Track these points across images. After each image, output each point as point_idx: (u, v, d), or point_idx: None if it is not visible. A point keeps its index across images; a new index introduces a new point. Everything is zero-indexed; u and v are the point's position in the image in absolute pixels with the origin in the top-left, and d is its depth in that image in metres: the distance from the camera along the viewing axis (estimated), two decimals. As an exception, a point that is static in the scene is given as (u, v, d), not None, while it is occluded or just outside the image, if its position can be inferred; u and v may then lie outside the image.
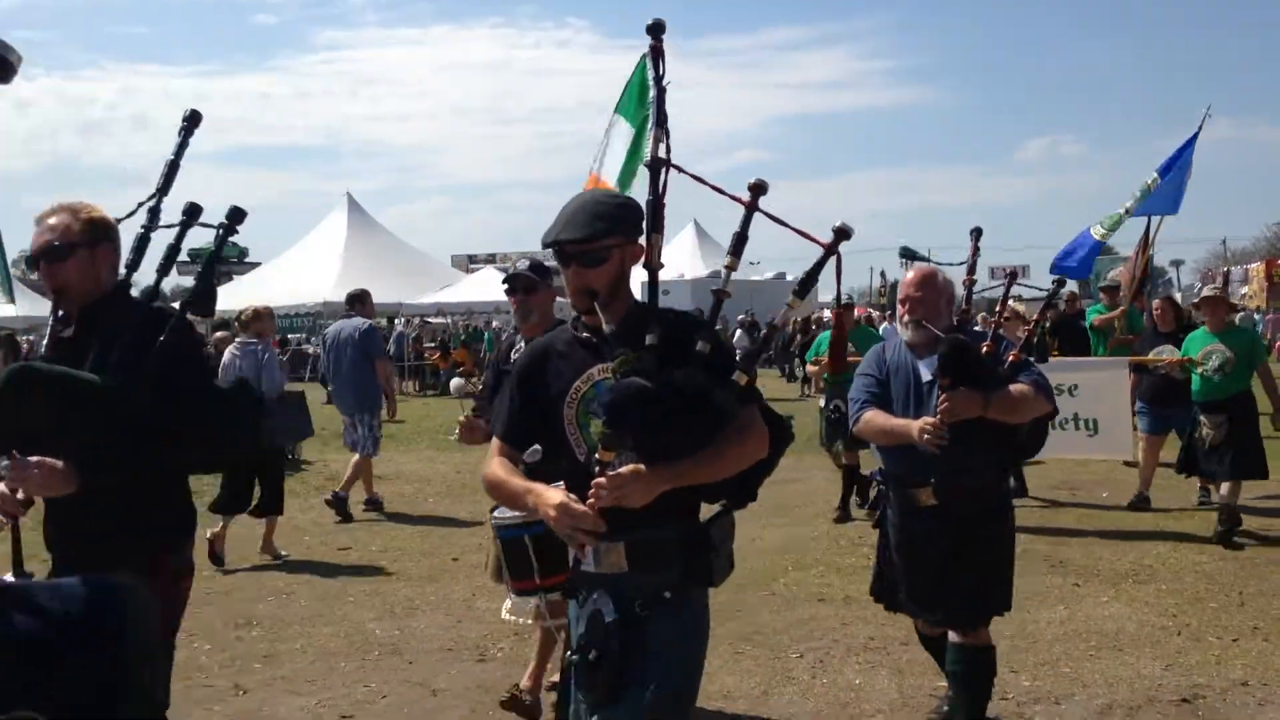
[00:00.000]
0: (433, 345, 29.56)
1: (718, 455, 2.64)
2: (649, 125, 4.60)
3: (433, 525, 9.33)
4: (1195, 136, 11.06)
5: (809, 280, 2.92)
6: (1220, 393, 8.03)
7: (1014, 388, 3.94)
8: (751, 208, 2.82)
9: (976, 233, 4.48)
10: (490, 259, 63.93)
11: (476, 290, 33.28)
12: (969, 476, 4.08)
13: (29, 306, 31.97)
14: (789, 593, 6.79)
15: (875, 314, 31.32)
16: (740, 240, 2.83)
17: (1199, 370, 8.10)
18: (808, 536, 8.35)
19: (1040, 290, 5.26)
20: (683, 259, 43.57)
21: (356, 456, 9.94)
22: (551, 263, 3.32)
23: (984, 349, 4.08)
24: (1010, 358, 4.07)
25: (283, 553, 8.14)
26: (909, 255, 14.83)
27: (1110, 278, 13.29)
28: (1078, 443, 9.01)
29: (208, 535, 7.71)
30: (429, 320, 32.26)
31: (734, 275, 2.89)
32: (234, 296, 38.64)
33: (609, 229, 2.73)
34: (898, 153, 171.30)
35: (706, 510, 2.85)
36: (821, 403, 9.33)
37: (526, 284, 4.67)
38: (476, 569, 7.47)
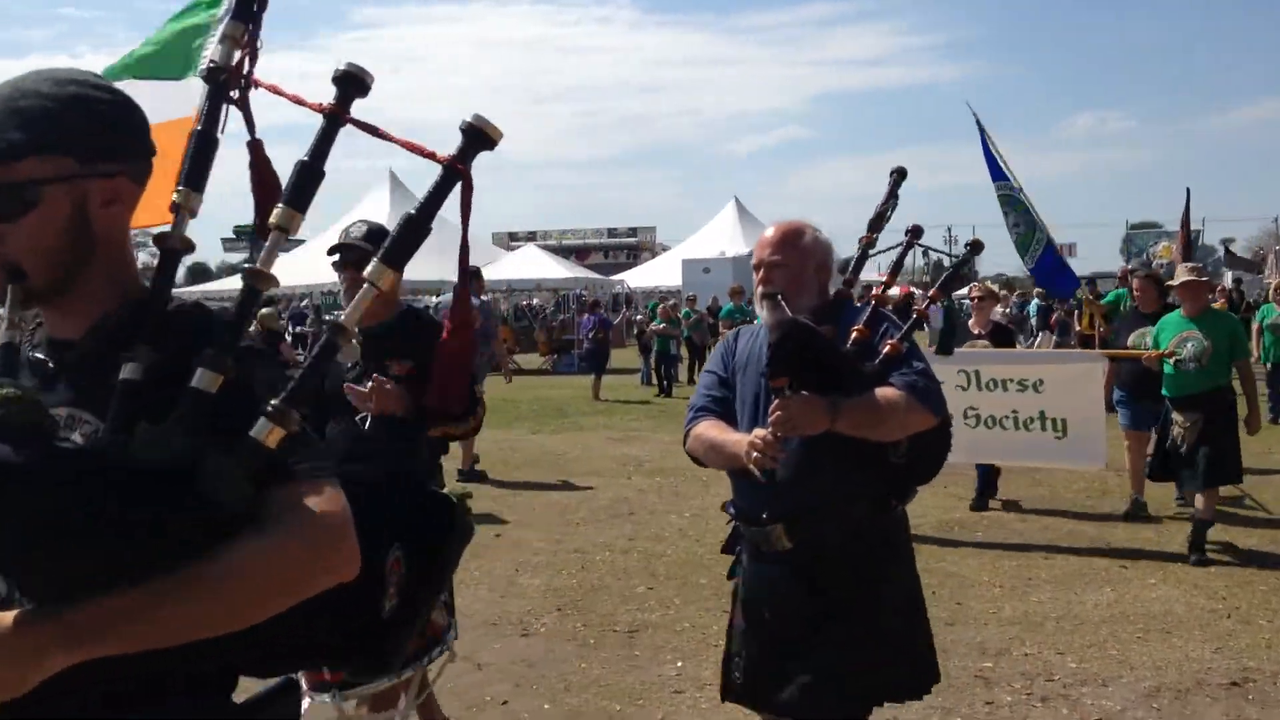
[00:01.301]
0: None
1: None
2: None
3: (474, 501, 9.35)
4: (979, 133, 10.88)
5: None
6: (1194, 386, 6.97)
7: (879, 392, 2.84)
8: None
9: (897, 173, 3.28)
10: (531, 236, 64.15)
11: (518, 268, 33.38)
12: (834, 511, 2.96)
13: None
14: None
15: (919, 293, 31.10)
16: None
17: (1171, 360, 7.07)
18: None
19: (948, 255, 3.79)
20: (724, 237, 43.44)
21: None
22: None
23: (853, 335, 2.97)
24: (886, 348, 2.93)
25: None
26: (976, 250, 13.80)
27: (1153, 253, 12.85)
28: (1044, 447, 7.83)
29: None
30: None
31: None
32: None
33: (33, 141, 1.44)
34: (940, 129, 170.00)
35: None
36: None
37: (361, 257, 3.62)
38: (519, 545, 7.53)
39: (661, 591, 6.42)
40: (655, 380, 19.87)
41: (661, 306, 21.91)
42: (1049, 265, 11.09)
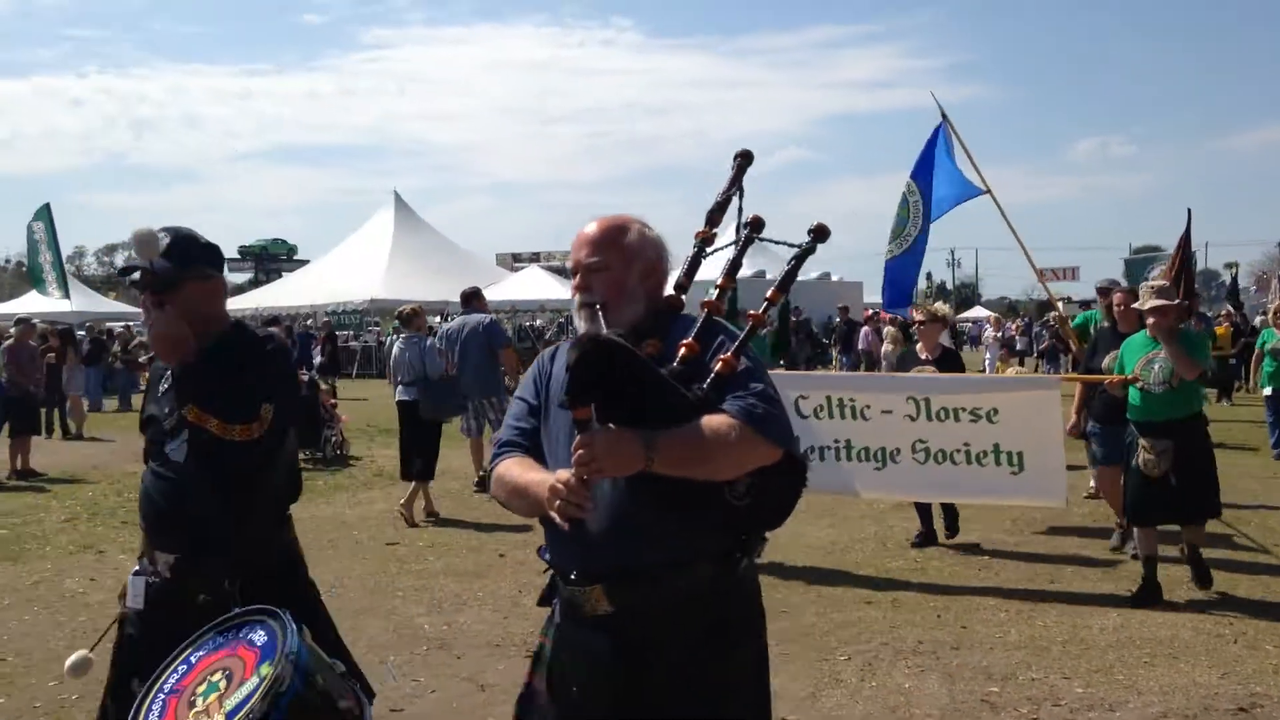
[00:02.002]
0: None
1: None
2: None
3: (479, 521, 9.37)
4: (940, 127, 11.02)
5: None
6: (1163, 412, 6.40)
7: (706, 421, 2.30)
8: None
9: (741, 156, 2.73)
10: (534, 257, 64.26)
11: (521, 288, 33.46)
12: (664, 570, 2.40)
13: (83, 302, 32.50)
14: (835, 594, 6.75)
15: (918, 317, 31.13)
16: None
17: (1139, 384, 6.49)
18: (853, 538, 8.30)
19: (790, 244, 2.66)
20: (726, 258, 43.41)
21: (469, 440, 10.94)
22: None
23: (680, 352, 2.42)
24: (718, 366, 2.38)
25: (436, 510, 9.66)
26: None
27: (1151, 276, 12.82)
28: (999, 483, 7.06)
29: (398, 505, 9.42)
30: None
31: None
32: (282, 293, 39.21)
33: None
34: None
35: None
36: None
37: (152, 280, 3.06)
38: (523, 565, 7.51)
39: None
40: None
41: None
42: (892, 270, 11.34)
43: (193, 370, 3.05)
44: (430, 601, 6.74)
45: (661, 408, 2.31)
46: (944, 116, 11.02)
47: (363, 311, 34.16)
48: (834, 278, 41.67)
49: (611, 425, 2.28)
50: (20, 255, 44.99)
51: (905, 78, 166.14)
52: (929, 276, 69.88)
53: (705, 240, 2.67)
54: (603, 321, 2.43)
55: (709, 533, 2.44)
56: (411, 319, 10.49)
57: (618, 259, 2.54)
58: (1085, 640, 5.76)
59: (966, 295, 77.23)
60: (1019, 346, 33.21)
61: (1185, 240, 11.53)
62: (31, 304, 28.71)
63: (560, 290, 33.96)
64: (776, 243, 2.73)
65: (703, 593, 2.44)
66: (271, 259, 79.87)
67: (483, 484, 10.40)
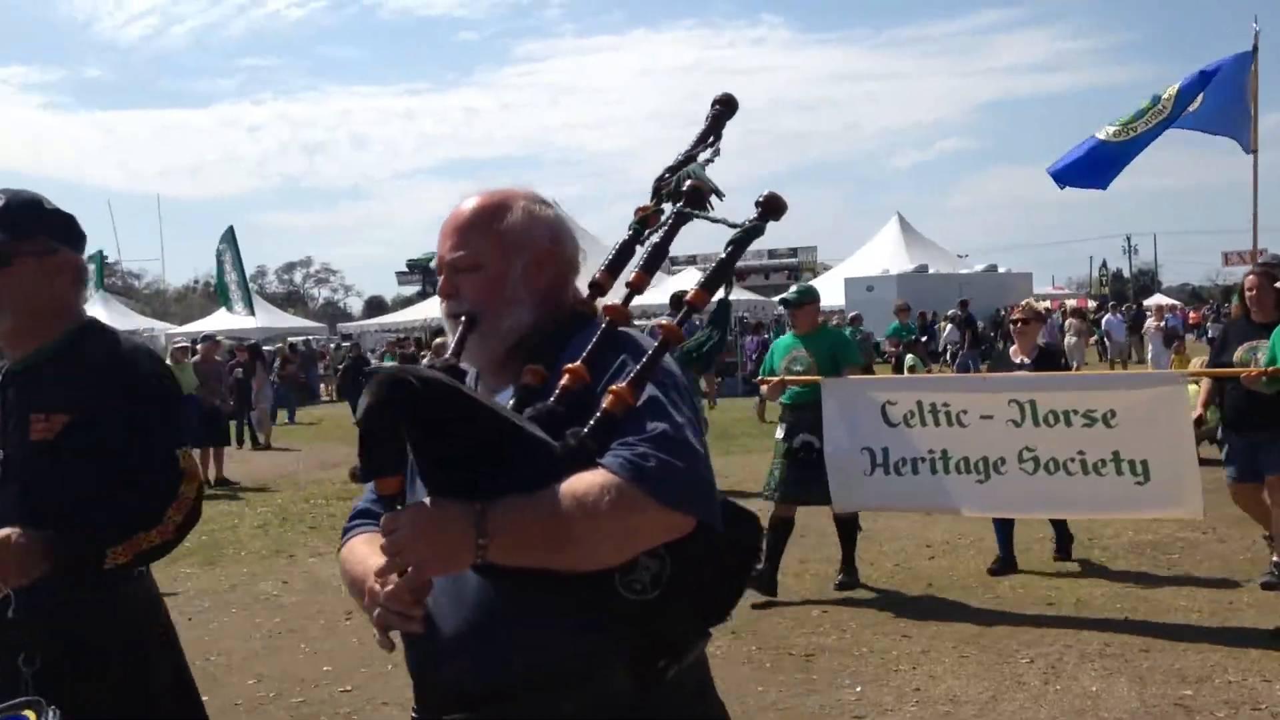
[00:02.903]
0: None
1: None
2: None
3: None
4: (1247, 56, 9.60)
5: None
6: None
7: (568, 486, 1.60)
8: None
9: (721, 103, 2.07)
10: (691, 260, 64.44)
11: (678, 290, 33.54)
12: (546, 692, 1.72)
13: (267, 318, 34.23)
14: (1014, 596, 6.56)
15: (1093, 304, 29.95)
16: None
17: None
18: (1031, 536, 8.04)
19: (729, 224, 1.90)
20: (886, 253, 42.73)
21: None
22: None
23: (562, 381, 1.73)
24: (606, 400, 1.67)
25: None
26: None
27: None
28: (1123, 494, 6.05)
29: None
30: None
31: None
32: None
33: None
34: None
35: None
36: (779, 434, 7.02)
37: None
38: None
39: (836, 615, 6.33)
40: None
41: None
42: (1094, 149, 9.62)
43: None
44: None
45: (514, 468, 1.61)
46: (1255, 50, 9.71)
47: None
48: (1001, 269, 40.53)
49: (425, 501, 1.62)
50: (209, 276, 47.65)
51: (1066, 60, 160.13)
52: (1104, 264, 67.07)
53: (644, 220, 1.97)
54: (481, 336, 1.85)
55: (610, 632, 1.70)
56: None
57: (492, 251, 1.87)
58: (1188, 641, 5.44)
59: (1145, 283, 73.80)
60: (1190, 336, 30.61)
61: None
62: (220, 321, 30.42)
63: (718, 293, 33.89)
64: (714, 220, 1.92)
65: (616, 716, 1.73)
66: (435, 273, 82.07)
67: None
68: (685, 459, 1.64)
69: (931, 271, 36.66)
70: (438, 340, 15.66)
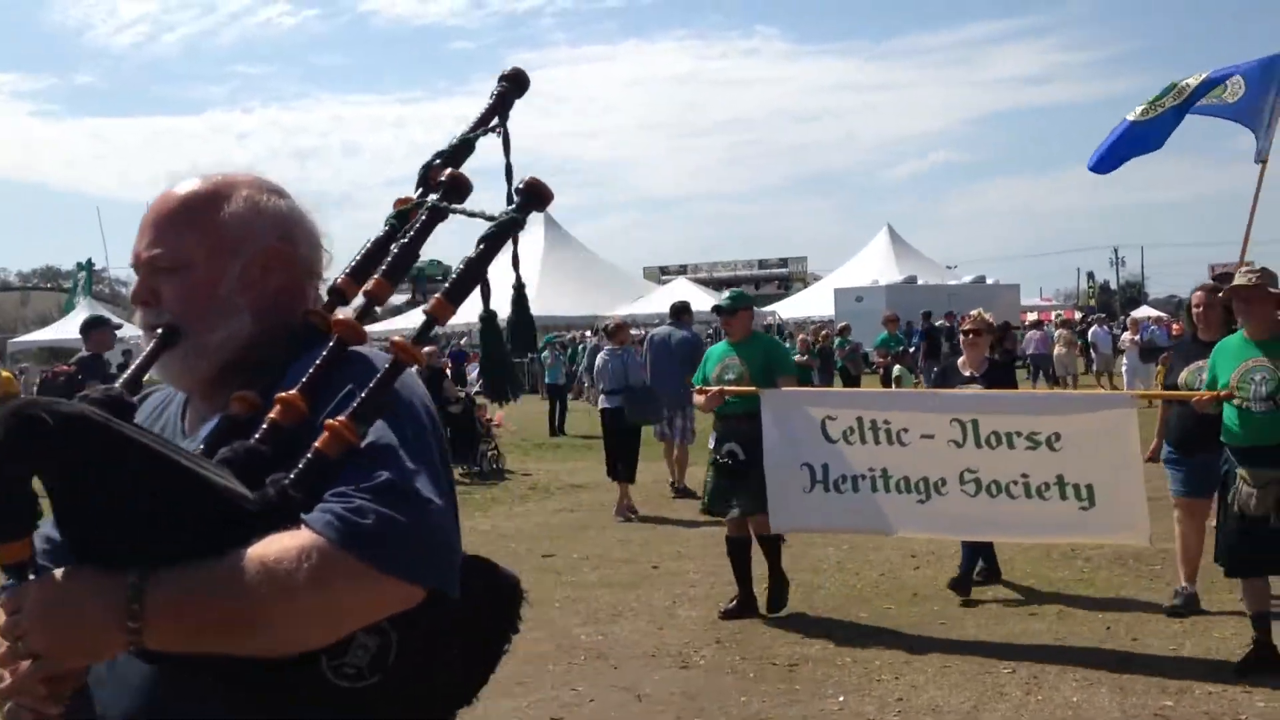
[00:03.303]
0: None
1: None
2: None
3: (631, 533, 9.46)
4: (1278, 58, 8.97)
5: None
6: (1268, 435, 5.04)
7: (255, 551, 1.24)
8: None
9: (509, 79, 1.75)
10: (682, 270, 64.65)
11: (670, 301, 33.61)
12: None
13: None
14: (997, 606, 6.58)
15: (1078, 316, 30.09)
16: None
17: (1236, 401, 5.16)
18: (1016, 547, 8.06)
19: (487, 217, 1.58)
20: (876, 264, 42.85)
21: (676, 450, 11.53)
22: None
23: (272, 413, 1.37)
24: (321, 441, 1.32)
25: (636, 509, 10.27)
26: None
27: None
28: (1067, 519, 5.78)
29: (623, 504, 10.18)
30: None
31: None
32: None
33: None
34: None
35: None
36: (710, 444, 6.97)
37: None
38: (677, 577, 7.55)
39: (819, 624, 6.34)
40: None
41: (800, 338, 21.85)
42: (1124, 131, 9.27)
43: None
44: (586, 612, 6.84)
45: (191, 528, 1.26)
46: None
47: (515, 328, 34.85)
48: (989, 280, 40.66)
49: (57, 572, 1.28)
50: (196, 284, 47.44)
51: (1060, 72, 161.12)
52: (1090, 275, 67.36)
53: (403, 214, 1.62)
54: (169, 359, 1.52)
55: None
56: (616, 332, 11.58)
57: (201, 249, 1.52)
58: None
59: (1132, 295, 74.11)
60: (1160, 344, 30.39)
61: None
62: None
63: (709, 301, 33.95)
64: (472, 215, 1.61)
65: None
66: (429, 280, 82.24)
67: (679, 490, 11.30)
68: (412, 514, 1.30)
69: (920, 283, 36.80)
70: (427, 349, 15.61)
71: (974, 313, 7.30)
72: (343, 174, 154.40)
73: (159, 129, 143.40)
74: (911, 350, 22.01)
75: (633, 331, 36.10)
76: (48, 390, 8.85)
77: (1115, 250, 75.38)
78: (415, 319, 41.52)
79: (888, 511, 6.17)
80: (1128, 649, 5.62)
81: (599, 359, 11.43)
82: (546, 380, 21.35)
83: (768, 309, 41.82)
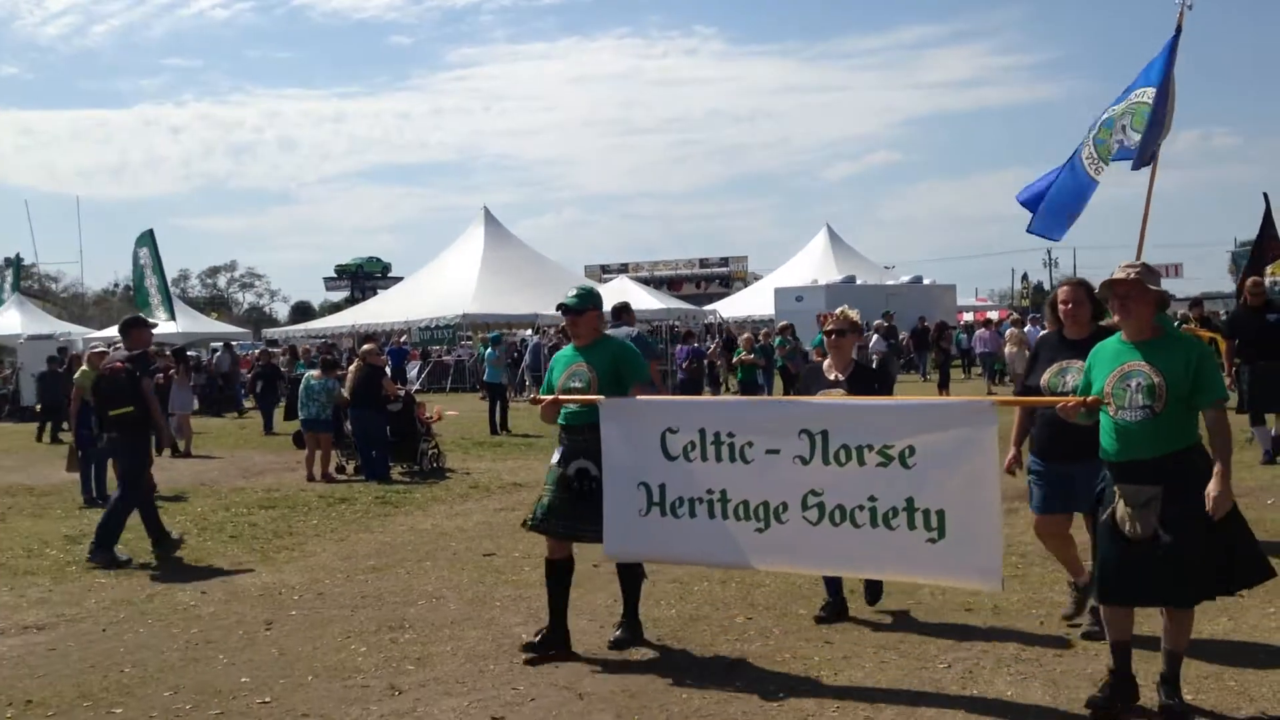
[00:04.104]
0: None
1: None
2: None
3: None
4: (1174, 41, 8.74)
5: None
6: (1145, 448, 4.53)
7: None
8: None
9: None
10: (623, 268, 64.81)
11: (610, 299, 33.60)
12: None
13: (189, 324, 33.56)
14: (934, 602, 6.67)
15: (1015, 317, 30.61)
16: None
17: (1110, 410, 4.66)
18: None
19: None
20: (816, 264, 43.27)
21: None
22: None
23: None
24: None
25: None
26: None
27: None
28: (912, 553, 5.11)
29: None
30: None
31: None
32: (377, 310, 40.06)
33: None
34: (1038, 150, 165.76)
35: None
36: (554, 458, 6.19)
37: None
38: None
39: (760, 622, 6.39)
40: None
41: (745, 337, 22.04)
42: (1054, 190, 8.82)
43: None
44: (527, 611, 6.82)
45: None
46: (1178, 31, 8.92)
47: (455, 326, 34.72)
48: (926, 280, 41.23)
49: None
50: (129, 279, 46.71)
51: (994, 76, 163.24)
52: (1025, 276, 68.54)
53: None
54: None
55: None
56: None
57: None
58: (1195, 646, 5.58)
59: (1064, 295, 75.38)
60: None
61: (1265, 227, 10.92)
62: (140, 327, 29.78)
63: (651, 300, 34.09)
64: None
65: None
66: (367, 277, 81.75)
67: None
68: None
69: (859, 282, 37.24)
70: (365, 346, 15.48)
71: (838, 311, 6.62)
72: (280, 169, 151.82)
73: (88, 122, 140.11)
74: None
75: (628, 330, 36.13)
76: (110, 384, 9.39)
77: (1049, 251, 76.71)
78: (354, 316, 41.11)
79: (726, 541, 5.51)
80: (1061, 644, 5.72)
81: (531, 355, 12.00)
82: (486, 379, 21.20)
83: (709, 307, 42.04)
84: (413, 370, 32.55)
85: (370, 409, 13.75)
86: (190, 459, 17.30)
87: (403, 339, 34.31)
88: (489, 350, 21.90)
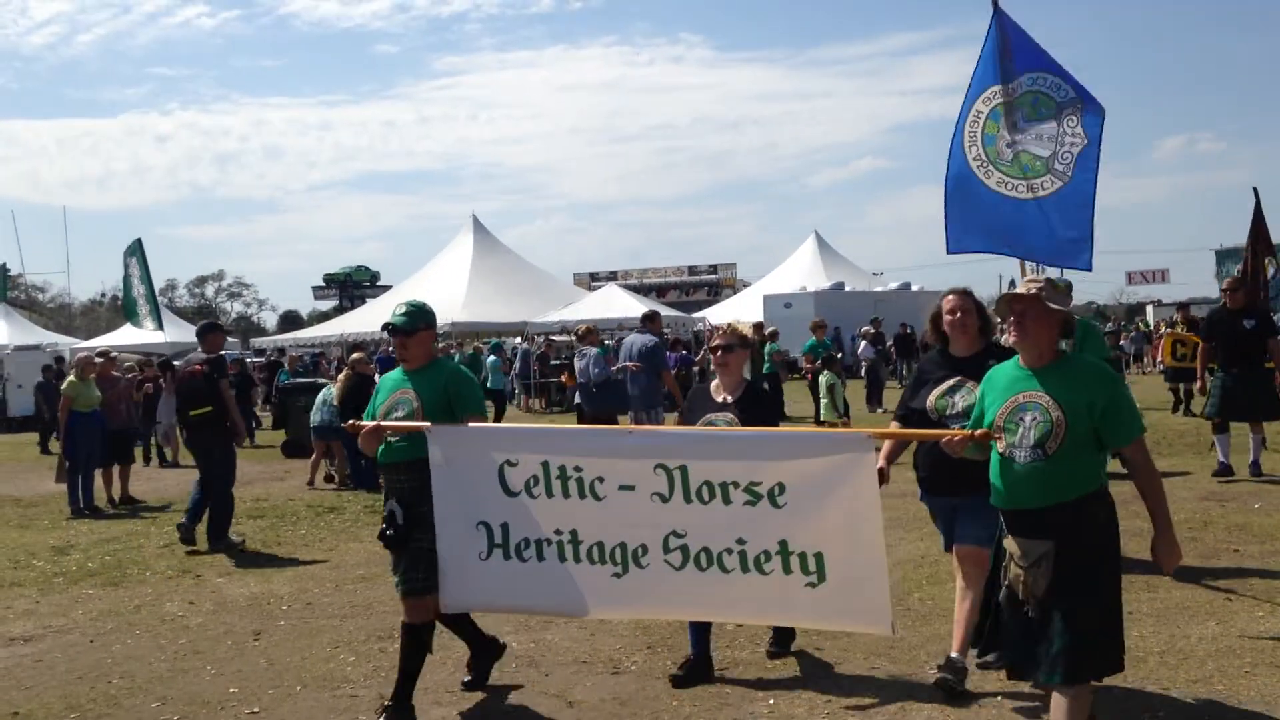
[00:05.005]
0: (558, 363, 29.85)
1: None
2: None
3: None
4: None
5: None
6: (1036, 495, 3.88)
7: None
8: None
9: None
10: (611, 276, 64.85)
11: (599, 307, 33.65)
12: None
13: (176, 333, 33.42)
14: (924, 608, 6.68)
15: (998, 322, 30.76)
16: None
17: (999, 445, 4.01)
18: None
19: None
20: (804, 271, 43.35)
21: None
22: None
23: None
24: None
25: None
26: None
27: (1238, 270, 11.46)
28: (793, 598, 4.67)
29: None
30: (554, 338, 32.72)
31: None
32: (366, 319, 40.02)
33: None
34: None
35: None
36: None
37: None
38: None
39: (751, 628, 6.38)
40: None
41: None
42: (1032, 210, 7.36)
43: None
44: (518, 620, 6.79)
45: None
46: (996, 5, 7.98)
47: (444, 334, 34.70)
48: (914, 287, 41.33)
49: None
50: (116, 289, 46.60)
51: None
52: (1011, 283, 68.79)
53: None
54: None
55: None
56: (586, 335, 13.35)
57: None
58: (1183, 650, 5.61)
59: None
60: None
61: (1256, 229, 10.66)
62: (127, 336, 29.69)
63: (639, 308, 34.07)
64: None
65: None
66: (356, 285, 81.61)
67: None
68: None
69: (848, 289, 37.34)
70: (355, 355, 15.45)
71: (724, 325, 5.95)
72: (265, 178, 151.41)
73: (73, 131, 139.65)
74: (839, 356, 22.33)
75: (561, 338, 35.99)
76: (190, 386, 10.22)
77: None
78: (342, 325, 41.02)
79: (581, 587, 4.93)
80: (1049, 648, 5.73)
81: (577, 357, 13.26)
82: (489, 386, 21.16)
83: (698, 314, 42.09)
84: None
85: (358, 417, 13.71)
86: (178, 469, 17.23)
87: (390, 348, 34.29)
88: (491, 358, 21.88)
